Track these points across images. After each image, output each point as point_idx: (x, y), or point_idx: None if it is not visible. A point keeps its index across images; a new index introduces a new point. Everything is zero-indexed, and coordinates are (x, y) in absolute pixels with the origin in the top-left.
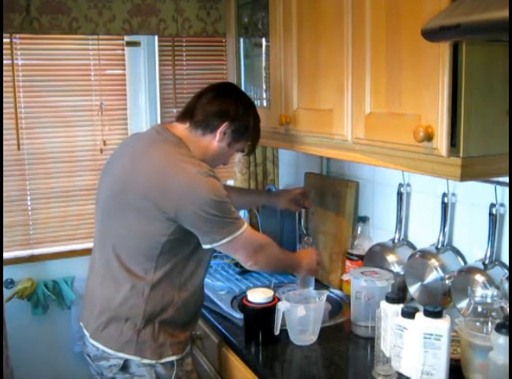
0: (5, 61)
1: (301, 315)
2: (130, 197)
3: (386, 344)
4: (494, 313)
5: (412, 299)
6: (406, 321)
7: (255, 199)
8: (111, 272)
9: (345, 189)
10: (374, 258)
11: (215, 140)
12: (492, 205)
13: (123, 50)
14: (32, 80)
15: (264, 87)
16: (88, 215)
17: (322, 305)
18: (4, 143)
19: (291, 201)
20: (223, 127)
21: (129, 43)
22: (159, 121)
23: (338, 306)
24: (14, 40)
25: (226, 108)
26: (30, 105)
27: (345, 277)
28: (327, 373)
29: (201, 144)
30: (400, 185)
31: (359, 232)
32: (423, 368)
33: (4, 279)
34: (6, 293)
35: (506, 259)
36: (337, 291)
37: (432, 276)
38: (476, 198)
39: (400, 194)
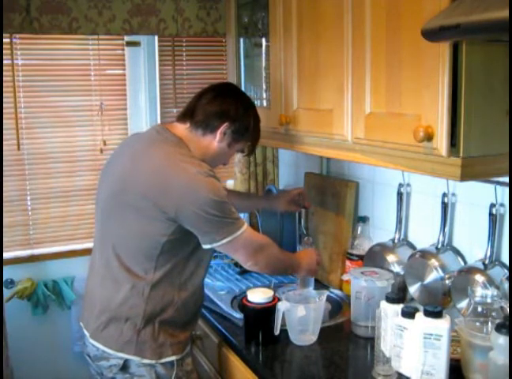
0: (5, 61)
1: (301, 315)
2: (130, 197)
3: (386, 344)
4: (494, 313)
5: (412, 299)
6: (406, 321)
7: (255, 203)
8: (111, 271)
9: (345, 189)
10: (374, 258)
11: (215, 141)
12: (492, 205)
13: (123, 50)
14: (32, 80)
15: (264, 87)
16: (88, 215)
17: (322, 305)
18: (4, 143)
19: (290, 202)
20: (223, 127)
21: (129, 43)
22: (159, 121)
23: (338, 306)
24: (14, 40)
25: (226, 108)
26: (30, 105)
27: (345, 277)
28: (327, 373)
29: (201, 144)
30: (400, 185)
31: (359, 232)
32: (423, 368)
33: (4, 279)
34: (6, 293)
35: (506, 259)
36: (337, 291)
37: (432, 276)
38: (476, 198)
39: (400, 194)
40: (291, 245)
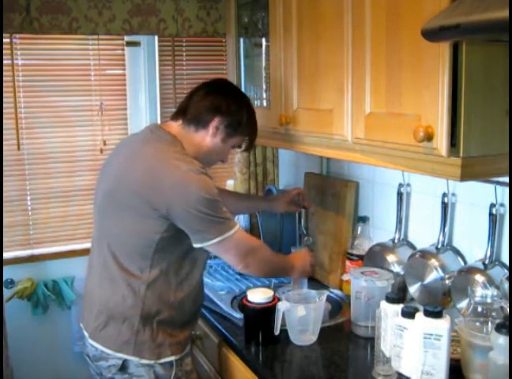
0: (5, 61)
1: (301, 315)
2: (124, 196)
3: (386, 344)
4: (494, 313)
5: (412, 299)
6: (406, 321)
7: (254, 204)
8: (108, 271)
9: (345, 189)
10: (374, 258)
11: (208, 136)
12: (492, 205)
13: (123, 50)
14: (32, 80)
15: (264, 87)
16: (88, 215)
17: (322, 305)
18: (4, 143)
19: (289, 203)
20: (215, 122)
21: (129, 43)
22: (159, 122)
23: (338, 306)
24: (14, 40)
25: (218, 103)
26: (30, 105)
27: (345, 277)
28: (327, 373)
29: (194, 140)
30: (400, 185)
31: (359, 232)
32: (423, 368)
33: (4, 279)
34: (6, 293)
35: (506, 259)
36: (337, 291)
37: (432, 276)
38: (476, 198)
39: (400, 194)
40: (292, 245)
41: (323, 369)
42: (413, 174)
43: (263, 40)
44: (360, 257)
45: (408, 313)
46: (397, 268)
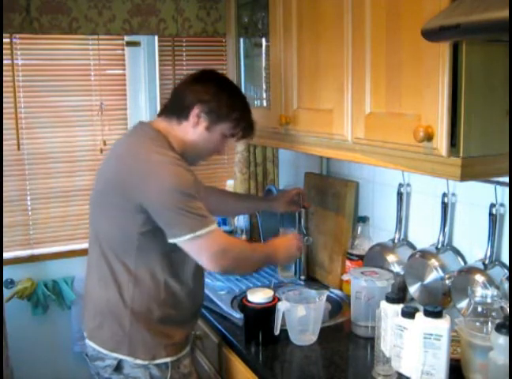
0: (5, 61)
1: (301, 315)
2: (108, 192)
3: (386, 344)
4: (494, 313)
5: (412, 299)
6: (406, 321)
7: (254, 204)
8: (101, 270)
9: (345, 189)
10: (374, 258)
11: (191, 126)
12: (492, 205)
13: (123, 50)
14: (32, 80)
15: (264, 87)
16: (88, 215)
17: (322, 305)
18: (4, 143)
19: (289, 203)
20: (195, 110)
21: (129, 43)
22: None
23: (338, 306)
24: (14, 40)
25: (196, 91)
26: (30, 105)
27: (345, 277)
28: (327, 373)
29: (179, 133)
30: (400, 185)
31: (359, 232)
32: (423, 368)
33: (4, 279)
34: (6, 293)
35: (506, 259)
36: (337, 291)
37: (432, 276)
38: (476, 198)
39: (400, 194)
40: (281, 229)
41: (323, 369)
42: (413, 174)
43: (263, 40)
44: (360, 257)
45: (408, 313)
46: (397, 268)
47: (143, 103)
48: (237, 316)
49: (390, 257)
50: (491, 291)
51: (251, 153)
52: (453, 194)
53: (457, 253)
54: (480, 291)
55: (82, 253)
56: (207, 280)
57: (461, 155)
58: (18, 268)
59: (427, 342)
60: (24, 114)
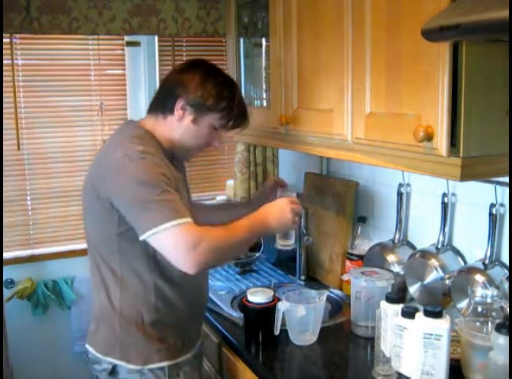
0: (5, 61)
1: (301, 315)
2: (86, 193)
3: (386, 344)
4: (494, 313)
5: (412, 299)
6: (406, 321)
7: (235, 212)
8: (93, 275)
9: (345, 189)
10: (374, 258)
11: (176, 120)
12: (492, 205)
13: (123, 50)
14: (32, 80)
15: (264, 87)
16: None
17: (322, 305)
18: (4, 143)
19: (270, 196)
20: (179, 103)
21: (129, 43)
22: None
23: (338, 306)
24: (14, 40)
25: (178, 83)
26: (30, 105)
27: (345, 277)
28: (327, 373)
29: (165, 129)
30: (400, 185)
31: (359, 232)
32: (423, 368)
33: (4, 279)
34: (6, 293)
35: (506, 259)
36: (337, 291)
37: (432, 276)
38: (476, 198)
39: (400, 194)
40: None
41: (323, 369)
42: (413, 174)
43: (263, 40)
44: (360, 257)
45: (408, 313)
46: (397, 268)
47: (143, 103)
48: (237, 316)
49: (390, 257)
50: (491, 291)
51: (251, 153)
52: (453, 194)
53: (457, 253)
54: (480, 291)
55: (82, 253)
56: None
57: (461, 155)
58: (18, 268)
59: (427, 342)
60: (24, 114)
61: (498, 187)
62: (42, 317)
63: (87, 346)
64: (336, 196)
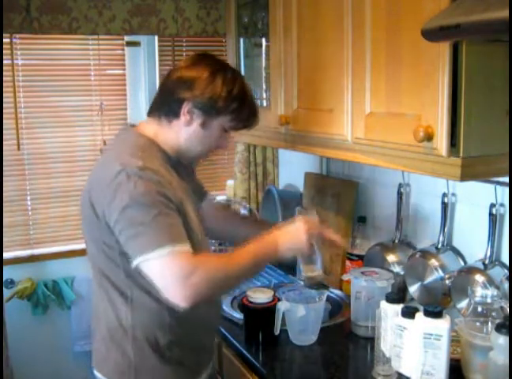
0: (5, 61)
1: (301, 315)
2: (86, 209)
3: (386, 344)
4: (494, 313)
5: (412, 299)
6: (406, 321)
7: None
8: (99, 294)
9: (345, 189)
10: (374, 258)
11: (183, 126)
12: (492, 205)
13: (123, 50)
14: (32, 80)
15: (264, 87)
16: None
17: (322, 305)
18: (4, 143)
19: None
20: (186, 106)
21: (129, 43)
22: None
23: (338, 306)
24: (14, 40)
25: (183, 82)
26: (30, 105)
27: (345, 277)
28: (327, 373)
29: (170, 134)
30: (400, 185)
31: (359, 232)
32: (423, 368)
33: (4, 279)
34: (6, 293)
35: (506, 259)
36: (337, 291)
37: (432, 276)
38: (476, 198)
39: (400, 194)
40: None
41: (323, 369)
42: (413, 174)
43: (263, 40)
44: (360, 257)
45: (408, 313)
46: (397, 268)
47: (143, 103)
48: (237, 316)
49: (390, 257)
50: (491, 291)
51: (251, 153)
52: (453, 194)
53: (457, 253)
54: (480, 291)
55: (82, 253)
56: None
57: (461, 155)
58: (18, 268)
59: (427, 342)
60: (24, 114)
61: (498, 187)
62: (42, 317)
63: (95, 372)
64: (336, 196)
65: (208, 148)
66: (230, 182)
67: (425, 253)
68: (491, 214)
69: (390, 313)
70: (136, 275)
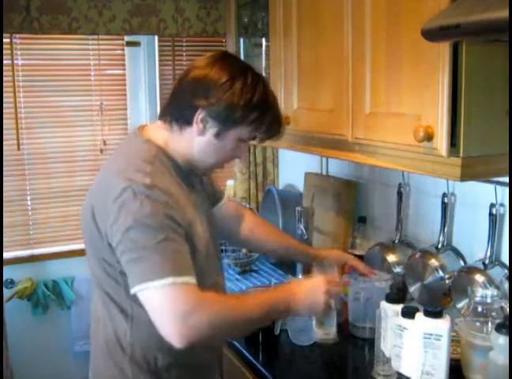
0: (5, 61)
1: None
2: (88, 221)
3: (386, 344)
4: (494, 313)
5: (412, 299)
6: (406, 321)
7: (288, 249)
8: (99, 305)
9: (345, 189)
10: (374, 258)
11: (195, 135)
12: (492, 205)
13: (123, 50)
14: (32, 80)
15: None
16: None
17: None
18: (4, 143)
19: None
20: (198, 114)
21: (129, 43)
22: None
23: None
24: (14, 40)
25: (197, 87)
26: (30, 105)
27: (345, 277)
28: (327, 373)
29: (182, 143)
30: (400, 185)
31: (359, 232)
32: (423, 368)
33: (4, 279)
34: (6, 293)
35: (506, 259)
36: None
37: (432, 276)
38: (476, 198)
39: (400, 194)
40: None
41: (323, 369)
42: (413, 174)
43: (263, 40)
44: (360, 257)
45: (408, 313)
46: (397, 268)
47: (143, 103)
48: None
49: (390, 257)
50: (491, 291)
51: (251, 153)
52: (453, 194)
53: (457, 253)
54: (480, 291)
55: (82, 253)
56: None
57: (461, 155)
58: (18, 268)
59: (427, 342)
60: (24, 114)
61: (498, 187)
62: (42, 317)
63: None
64: (336, 196)
65: (224, 159)
66: (230, 182)
67: (425, 253)
68: (491, 214)
69: (390, 313)
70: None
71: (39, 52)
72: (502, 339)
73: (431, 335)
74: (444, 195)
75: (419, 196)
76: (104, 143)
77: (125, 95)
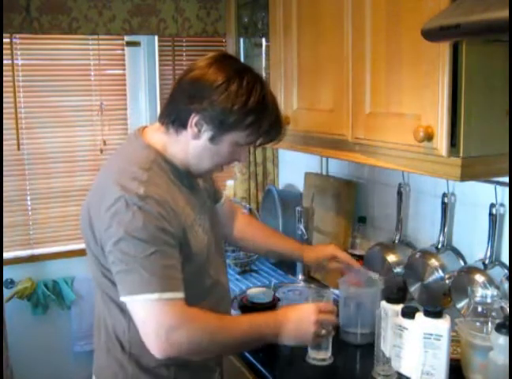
0: (5, 61)
1: None
2: (86, 226)
3: (386, 344)
4: (494, 313)
5: (412, 299)
6: (406, 321)
7: (287, 243)
8: (100, 303)
9: (345, 189)
10: (374, 258)
11: (190, 137)
12: (492, 205)
13: (123, 50)
14: (32, 80)
15: None
16: None
17: None
18: (4, 143)
19: (319, 259)
20: (193, 118)
21: (129, 43)
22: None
23: (337, 307)
24: (14, 40)
25: (192, 90)
26: (30, 105)
27: (346, 278)
28: (327, 373)
29: (178, 146)
30: (400, 185)
31: (359, 232)
32: (423, 368)
33: (4, 279)
34: (6, 293)
35: (506, 259)
36: (337, 291)
37: (432, 276)
38: (476, 198)
39: (400, 194)
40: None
41: (323, 369)
42: (413, 174)
43: (263, 40)
44: (360, 257)
45: (408, 313)
46: (397, 268)
47: (143, 103)
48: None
49: (390, 257)
50: (491, 291)
51: (251, 153)
52: (453, 194)
53: (457, 253)
54: (480, 291)
55: (82, 253)
56: None
57: (461, 155)
58: (18, 268)
59: (427, 342)
60: (24, 114)
61: (498, 187)
62: (42, 317)
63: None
64: (336, 196)
65: (221, 163)
66: (230, 182)
67: (425, 253)
68: (491, 214)
69: (390, 313)
70: None
71: (39, 52)
72: (502, 339)
73: (431, 335)
74: (444, 195)
75: (419, 196)
76: (104, 143)
77: (125, 95)
